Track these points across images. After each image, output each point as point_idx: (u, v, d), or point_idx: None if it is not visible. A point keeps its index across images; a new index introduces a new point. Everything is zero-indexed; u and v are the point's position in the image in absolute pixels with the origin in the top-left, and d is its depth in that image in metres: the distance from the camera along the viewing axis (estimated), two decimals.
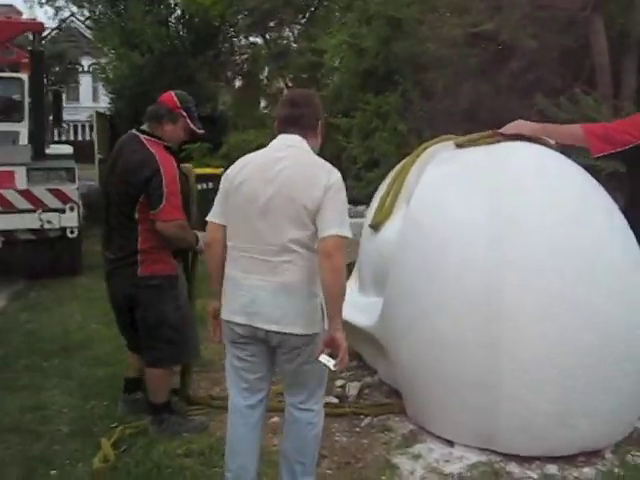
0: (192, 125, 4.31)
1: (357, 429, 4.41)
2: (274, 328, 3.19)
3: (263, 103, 12.96)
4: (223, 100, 13.62)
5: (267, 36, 11.76)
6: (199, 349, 4.62)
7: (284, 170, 3.19)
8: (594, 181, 4.23)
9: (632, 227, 4.14)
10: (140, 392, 4.62)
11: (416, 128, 7.14)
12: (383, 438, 4.28)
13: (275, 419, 4.29)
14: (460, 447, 4.07)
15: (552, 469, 3.89)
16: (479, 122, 7.15)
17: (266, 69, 12.30)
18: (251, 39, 12.78)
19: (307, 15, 11.41)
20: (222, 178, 3.41)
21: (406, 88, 6.95)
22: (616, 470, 3.91)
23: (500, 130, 4.46)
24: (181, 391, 4.74)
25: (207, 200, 4.15)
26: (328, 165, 3.28)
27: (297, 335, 3.19)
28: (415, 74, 6.91)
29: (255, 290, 3.21)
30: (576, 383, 3.79)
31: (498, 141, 4.38)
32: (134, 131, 4.32)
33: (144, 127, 4.28)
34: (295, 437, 3.41)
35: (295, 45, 12.12)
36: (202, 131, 4.43)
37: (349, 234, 3.15)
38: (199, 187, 9.99)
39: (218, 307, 3.42)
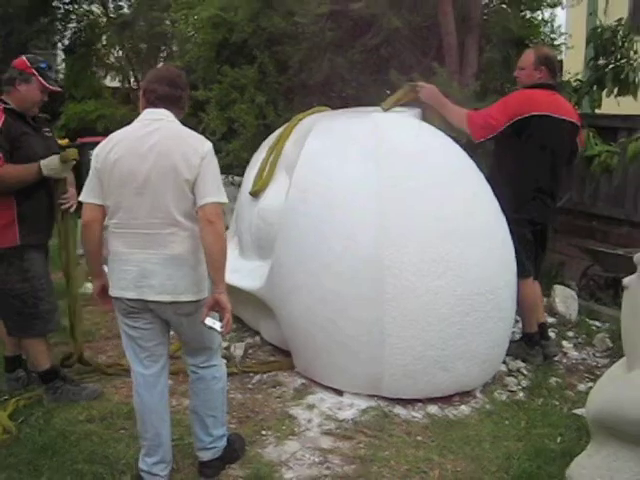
0: (45, 83, 4.29)
1: (249, 386, 4.66)
2: (167, 299, 3.29)
3: (101, 73, 12.63)
4: (56, 69, 13.14)
5: (108, 4, 11.49)
6: (55, 323, 4.48)
7: (157, 144, 3.25)
8: (462, 152, 4.67)
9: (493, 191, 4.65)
10: (21, 370, 4.62)
11: (273, 100, 7.34)
12: (276, 392, 4.55)
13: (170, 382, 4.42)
14: (349, 395, 4.42)
15: (433, 409, 4.34)
16: (334, 95, 7.52)
17: (103, 38, 12.02)
18: (85, 6, 12.41)
19: None
20: (92, 158, 3.39)
21: (262, 61, 7.12)
22: (487, 406, 4.44)
23: (418, 84, 5.04)
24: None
25: None
26: (199, 135, 3.41)
27: (189, 302, 3.32)
28: (272, 48, 7.09)
29: (143, 264, 3.28)
30: (452, 330, 4.24)
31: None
32: None
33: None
34: (202, 393, 3.56)
35: (126, 14, 11.85)
36: (58, 88, 4.45)
37: (226, 200, 3.32)
38: None
39: (101, 284, 3.50)
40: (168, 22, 11.46)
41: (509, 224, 4.61)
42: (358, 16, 6.48)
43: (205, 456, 3.62)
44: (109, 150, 3.32)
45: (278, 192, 4.92)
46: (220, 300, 3.24)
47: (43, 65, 4.35)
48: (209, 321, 3.25)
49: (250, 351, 5.15)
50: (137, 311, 3.38)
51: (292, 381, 4.67)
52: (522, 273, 4.77)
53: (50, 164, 4.17)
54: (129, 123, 3.46)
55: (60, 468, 3.66)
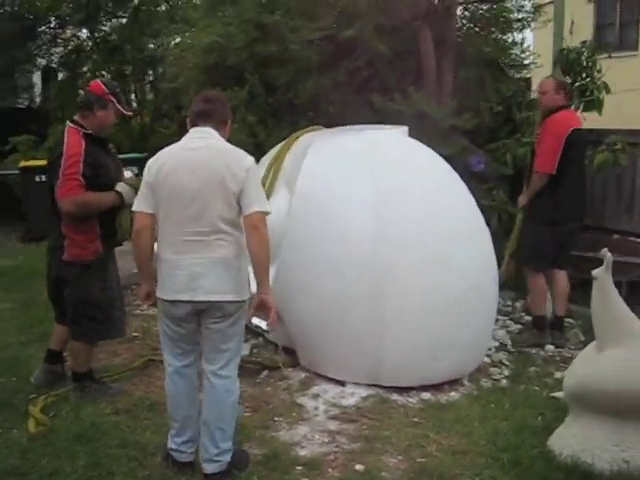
0: (122, 109, 4.67)
1: (258, 380, 5.10)
2: (215, 298, 3.60)
3: None
4: (41, 92, 13.57)
5: (94, 30, 11.91)
6: (124, 329, 4.96)
7: (205, 159, 3.62)
8: (447, 164, 5.22)
9: None
10: (60, 366, 4.99)
11: (263, 119, 7.81)
12: (283, 385, 5.00)
13: None
14: (350, 385, 4.90)
15: (426, 396, 4.84)
16: (320, 114, 8.00)
17: (89, 62, 12.42)
18: (69, 31, 12.82)
19: (130, 10, 11.72)
20: (145, 171, 3.75)
21: (252, 83, 7.57)
22: (474, 392, 4.94)
23: None
24: None
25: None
26: (242, 151, 3.77)
27: (233, 302, 3.67)
28: (261, 70, 7.56)
29: (192, 267, 3.59)
30: (443, 322, 4.75)
31: None
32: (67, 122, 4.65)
33: (75, 117, 4.62)
34: (214, 404, 3.74)
35: (114, 39, 12.25)
36: (130, 113, 4.81)
37: (269, 209, 3.71)
38: (37, 179, 9.97)
39: (148, 289, 3.83)
40: (153, 46, 11.95)
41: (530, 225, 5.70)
42: (343, 40, 6.99)
43: (210, 468, 3.75)
44: (161, 164, 3.67)
45: (280, 204, 5.36)
46: (266, 300, 3.61)
47: (118, 90, 4.72)
48: (255, 320, 3.61)
49: (255, 350, 5.58)
50: (184, 317, 3.68)
51: (297, 375, 5.12)
52: (541, 266, 5.72)
53: (128, 193, 4.49)
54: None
55: (95, 453, 4.04)
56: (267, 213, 3.67)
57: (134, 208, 3.79)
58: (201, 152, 3.66)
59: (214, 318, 3.68)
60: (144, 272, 3.88)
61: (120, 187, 4.56)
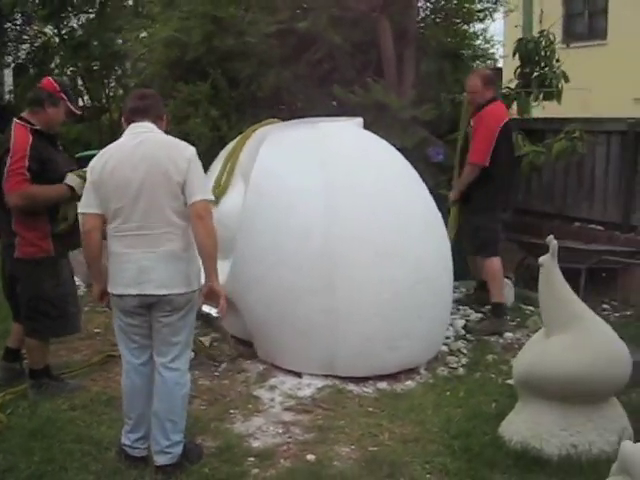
0: (73, 107, 4.67)
1: (216, 373, 5.12)
2: (164, 292, 3.66)
3: None
4: (10, 89, 13.49)
5: (60, 26, 11.84)
6: (79, 325, 4.94)
7: (147, 153, 3.66)
8: (400, 155, 5.23)
9: None
10: (18, 363, 4.98)
11: (226, 113, 7.80)
12: (240, 378, 5.03)
13: None
14: (307, 376, 4.93)
15: (382, 385, 4.88)
16: (282, 107, 8.01)
17: (56, 58, 12.35)
18: (35, 28, 12.75)
19: (96, 7, 11.68)
20: (88, 172, 3.79)
21: (215, 77, 7.56)
22: (430, 381, 4.99)
23: None
24: None
25: None
26: (183, 142, 3.83)
27: (183, 294, 3.70)
28: (223, 64, 7.56)
29: (141, 262, 3.63)
30: (396, 313, 4.79)
31: None
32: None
33: (23, 113, 4.60)
34: (165, 397, 3.77)
35: (80, 35, 12.19)
36: (80, 112, 4.83)
37: (212, 197, 3.78)
38: None
39: (101, 289, 3.86)
40: (120, 41, 11.89)
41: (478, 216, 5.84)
42: (302, 33, 6.99)
43: (161, 460, 3.76)
44: (105, 162, 3.70)
45: (236, 198, 5.39)
46: (214, 288, 3.67)
47: (69, 88, 4.74)
48: (206, 307, 3.64)
49: (215, 343, 5.59)
50: (133, 309, 3.72)
51: (255, 367, 5.14)
52: (493, 252, 5.89)
53: (79, 184, 4.44)
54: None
55: (50, 449, 4.04)
56: (210, 201, 3.73)
57: (80, 210, 3.82)
58: (143, 146, 3.69)
59: (164, 312, 3.72)
60: (95, 271, 3.91)
61: (70, 179, 4.55)
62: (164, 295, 3.67)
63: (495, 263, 5.93)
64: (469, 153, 5.89)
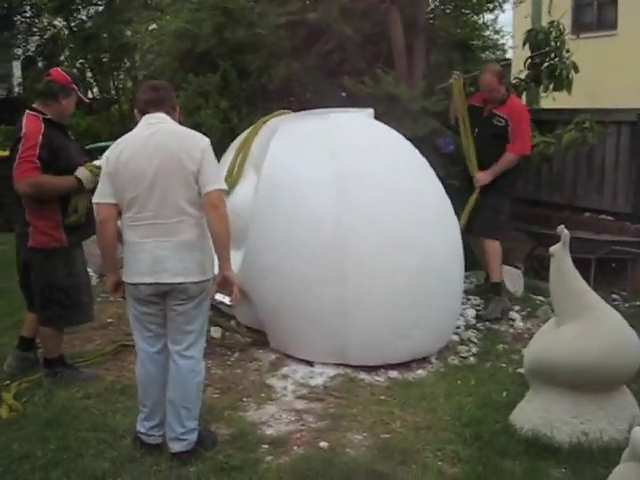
0: (84, 97, 4.75)
1: (229, 362, 5.17)
2: (179, 280, 3.70)
3: None
4: (21, 81, 13.55)
5: (70, 19, 11.87)
6: (92, 314, 5.00)
7: (161, 143, 3.70)
8: (411, 145, 5.26)
9: None
10: (33, 352, 5.03)
11: (236, 105, 7.82)
12: (253, 367, 5.07)
13: None
14: (319, 365, 4.97)
15: (394, 374, 4.92)
16: (292, 98, 8.03)
17: (66, 50, 12.40)
18: (45, 20, 12.77)
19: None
20: (103, 162, 3.83)
21: (225, 69, 7.58)
22: (441, 370, 5.03)
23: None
24: None
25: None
26: (197, 132, 3.88)
27: (197, 282, 3.74)
28: (233, 56, 7.57)
29: (156, 251, 3.68)
30: (407, 302, 4.82)
31: None
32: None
33: (35, 104, 4.64)
34: (179, 385, 3.81)
35: (90, 27, 12.22)
36: (89, 100, 4.89)
37: (226, 187, 3.81)
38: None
39: (115, 280, 3.90)
40: (129, 33, 11.92)
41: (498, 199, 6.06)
42: (312, 24, 7.00)
43: (176, 447, 3.82)
44: (119, 152, 3.74)
45: (248, 189, 5.42)
46: (228, 276, 3.72)
47: (77, 78, 4.81)
48: (219, 296, 3.68)
49: (227, 334, 5.64)
50: (148, 298, 3.75)
51: (267, 356, 5.19)
52: (496, 236, 6.10)
53: (88, 178, 4.52)
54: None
55: (65, 437, 4.09)
56: (224, 191, 3.77)
57: (95, 200, 3.84)
58: (157, 136, 3.73)
59: (178, 300, 3.76)
60: (109, 262, 3.95)
61: (79, 172, 4.58)
62: (179, 283, 3.71)
63: (496, 245, 6.11)
64: (511, 143, 6.06)
